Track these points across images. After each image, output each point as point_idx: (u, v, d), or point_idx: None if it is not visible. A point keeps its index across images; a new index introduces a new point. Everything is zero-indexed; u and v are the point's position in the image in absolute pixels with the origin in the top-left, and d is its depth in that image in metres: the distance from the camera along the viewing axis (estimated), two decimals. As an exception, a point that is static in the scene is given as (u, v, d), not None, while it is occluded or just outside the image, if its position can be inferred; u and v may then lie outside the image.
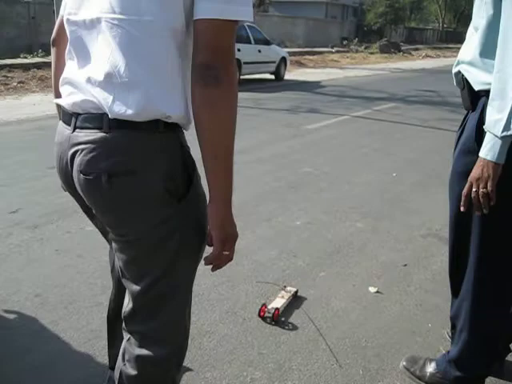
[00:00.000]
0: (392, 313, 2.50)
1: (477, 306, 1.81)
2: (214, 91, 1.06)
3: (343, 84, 13.19)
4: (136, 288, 1.26)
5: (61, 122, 1.28)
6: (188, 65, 1.15)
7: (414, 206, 4.12)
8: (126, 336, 1.38)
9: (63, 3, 1.34)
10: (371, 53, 26.17)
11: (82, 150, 1.16)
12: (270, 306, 2.43)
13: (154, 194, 1.16)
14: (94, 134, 1.15)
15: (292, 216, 3.79)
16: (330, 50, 25.16)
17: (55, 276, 2.74)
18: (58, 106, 1.36)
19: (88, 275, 2.75)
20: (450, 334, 2.24)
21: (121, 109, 1.12)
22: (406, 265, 3.02)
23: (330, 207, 4.00)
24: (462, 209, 1.64)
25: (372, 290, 2.71)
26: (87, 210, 1.35)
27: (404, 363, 2.07)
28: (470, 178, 1.59)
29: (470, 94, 1.71)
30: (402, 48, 28.84)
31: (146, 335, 1.32)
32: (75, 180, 1.21)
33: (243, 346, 2.19)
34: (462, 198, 1.62)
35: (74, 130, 1.19)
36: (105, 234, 1.44)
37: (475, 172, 1.57)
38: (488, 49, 1.57)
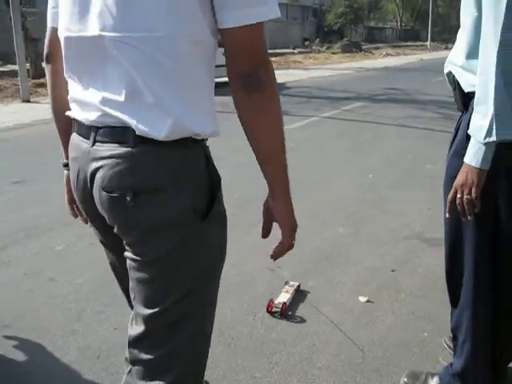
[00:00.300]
0: (385, 323, 2.40)
1: (478, 315, 1.72)
2: (259, 97, 1.04)
3: (309, 85, 13.16)
4: (150, 310, 1.14)
5: (75, 135, 1.17)
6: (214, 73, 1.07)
7: (394, 207, 4.04)
8: (128, 367, 1.24)
9: (50, 13, 1.23)
10: (333, 53, 26.36)
11: (105, 165, 1.06)
12: (276, 301, 2.45)
13: (180, 212, 1.08)
14: (118, 149, 1.05)
15: (274, 223, 3.65)
16: (292, 51, 25.23)
17: (25, 302, 2.54)
18: (63, 120, 1.27)
19: (61, 300, 2.57)
20: (447, 342, 2.16)
21: (146, 129, 1.03)
22: (393, 270, 2.93)
23: (310, 212, 3.88)
24: (447, 215, 1.60)
25: (362, 299, 2.60)
26: (99, 227, 1.24)
27: (405, 380, 1.96)
28: (454, 184, 1.54)
29: (461, 95, 1.66)
30: (363, 47, 29.16)
31: (153, 364, 1.17)
32: (96, 198, 1.11)
33: (234, 369, 2.05)
34: (447, 204, 1.58)
35: (93, 144, 1.09)
36: (115, 253, 1.30)
37: (459, 178, 1.52)
38: (475, 51, 1.51)
